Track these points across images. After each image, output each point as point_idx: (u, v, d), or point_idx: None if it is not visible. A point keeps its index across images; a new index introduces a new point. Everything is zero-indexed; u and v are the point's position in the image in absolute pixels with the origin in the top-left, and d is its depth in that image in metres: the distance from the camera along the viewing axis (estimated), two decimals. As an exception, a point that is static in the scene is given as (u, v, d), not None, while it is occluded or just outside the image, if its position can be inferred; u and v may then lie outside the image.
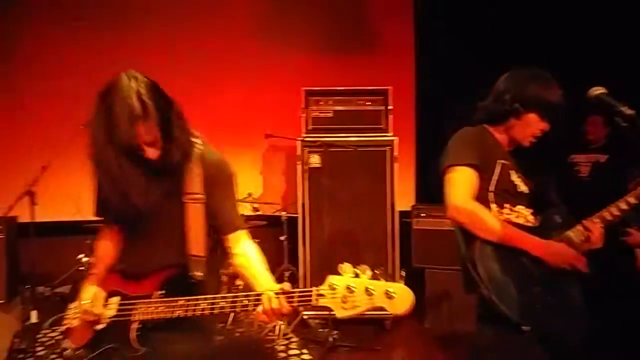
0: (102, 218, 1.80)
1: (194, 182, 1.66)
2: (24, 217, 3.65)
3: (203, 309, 1.52)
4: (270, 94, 4.95)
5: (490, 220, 1.75)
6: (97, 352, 1.60)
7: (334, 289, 1.39)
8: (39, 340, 3.76)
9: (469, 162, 1.82)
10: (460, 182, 1.81)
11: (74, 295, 1.76)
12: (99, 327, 1.63)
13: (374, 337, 3.84)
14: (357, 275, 1.40)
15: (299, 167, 4.05)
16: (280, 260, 4.09)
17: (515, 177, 1.89)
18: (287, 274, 4.07)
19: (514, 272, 1.71)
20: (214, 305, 1.52)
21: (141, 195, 1.56)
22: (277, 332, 3.64)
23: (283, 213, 4.16)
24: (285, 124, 4.35)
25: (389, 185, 4.01)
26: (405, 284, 1.36)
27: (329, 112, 4.17)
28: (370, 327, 3.90)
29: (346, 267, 1.41)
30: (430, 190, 4.14)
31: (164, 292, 1.60)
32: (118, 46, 4.77)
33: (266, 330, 3.62)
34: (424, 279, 4.01)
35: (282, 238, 4.12)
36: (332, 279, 1.41)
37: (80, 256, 3.46)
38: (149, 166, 1.55)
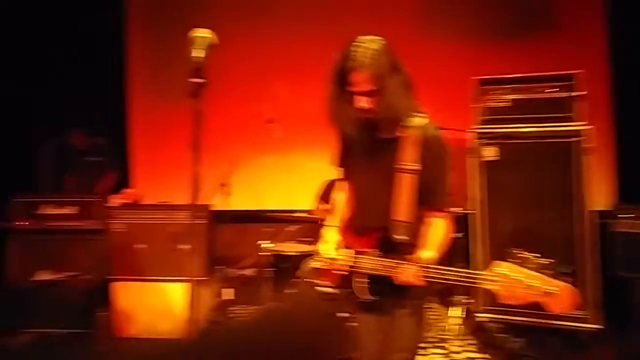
0: (340, 169, 2.06)
1: (410, 153, 1.78)
2: (219, 206, 4.13)
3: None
4: (434, 86, 4.78)
5: None
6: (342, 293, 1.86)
7: (497, 274, 1.43)
8: (230, 314, 4.24)
9: None
10: None
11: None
12: (340, 273, 1.86)
13: (565, 350, 3.39)
14: (523, 265, 1.40)
15: (472, 161, 3.83)
16: (451, 258, 3.93)
17: None
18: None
19: None
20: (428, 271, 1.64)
21: (354, 139, 1.82)
22: (453, 332, 3.53)
23: (458, 209, 3.99)
24: (452, 117, 4.15)
25: (579, 181, 3.55)
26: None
27: (506, 101, 3.86)
28: (560, 337, 3.43)
29: (516, 255, 1.45)
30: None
31: (380, 252, 1.77)
32: (296, 43, 5.08)
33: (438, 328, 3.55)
34: (630, 289, 3.45)
35: (458, 235, 3.95)
36: (496, 264, 1.45)
37: (260, 242, 3.78)
38: (361, 115, 1.73)
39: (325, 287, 1.92)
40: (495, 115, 3.84)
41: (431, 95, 4.73)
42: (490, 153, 3.76)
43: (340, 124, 1.83)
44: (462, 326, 3.56)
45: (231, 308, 4.19)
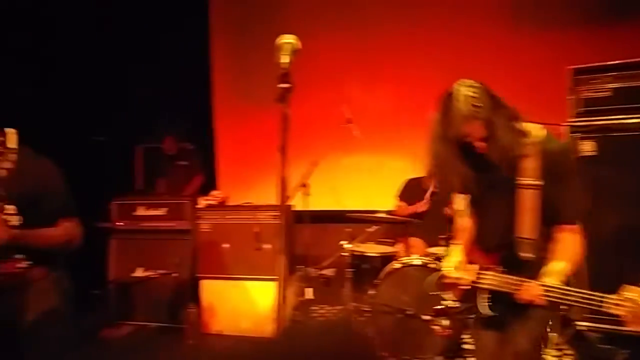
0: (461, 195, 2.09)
1: (529, 171, 1.77)
2: (299, 206, 4.18)
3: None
4: (527, 78, 4.52)
5: None
6: (465, 307, 1.93)
7: (625, 299, 1.40)
8: (312, 314, 4.27)
9: None
10: None
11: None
12: (463, 287, 1.92)
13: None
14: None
15: (566, 156, 3.55)
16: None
17: None
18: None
19: None
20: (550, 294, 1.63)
21: (469, 182, 1.83)
22: (548, 341, 3.30)
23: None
24: (545, 110, 3.88)
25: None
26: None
27: (606, 91, 3.53)
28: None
29: None
30: None
31: (505, 269, 1.78)
32: (372, 46, 5.04)
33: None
34: None
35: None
36: (626, 289, 1.42)
37: (342, 242, 3.76)
38: (479, 157, 1.77)
39: (449, 300, 1.98)
40: (593, 107, 3.53)
41: (524, 88, 4.55)
42: (587, 148, 3.46)
43: (455, 178, 1.86)
44: (559, 335, 3.30)
45: (312, 307, 4.22)
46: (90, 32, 5.09)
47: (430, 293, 3.02)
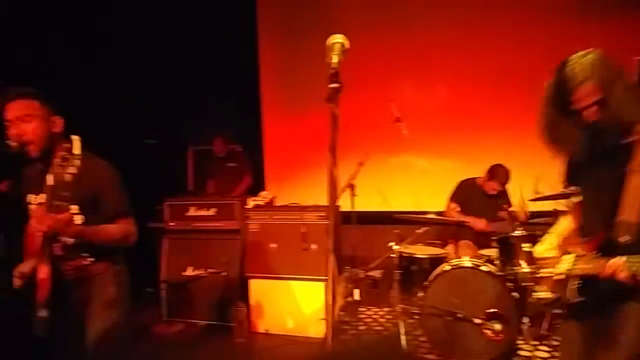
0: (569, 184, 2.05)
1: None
2: (345, 207, 4.17)
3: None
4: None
5: None
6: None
7: None
8: (359, 315, 4.25)
9: None
10: None
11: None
12: (557, 278, 1.90)
13: None
14: None
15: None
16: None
17: None
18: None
19: None
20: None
21: (581, 153, 1.80)
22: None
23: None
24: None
25: None
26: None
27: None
28: None
29: None
30: None
31: (599, 253, 1.75)
32: (421, 46, 4.95)
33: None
34: None
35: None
36: None
37: (390, 244, 3.71)
38: (588, 126, 1.73)
39: (542, 293, 1.96)
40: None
41: None
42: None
43: (565, 145, 1.85)
44: None
45: (360, 309, 4.19)
46: (145, 39, 5.28)
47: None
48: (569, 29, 4.52)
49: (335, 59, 1.44)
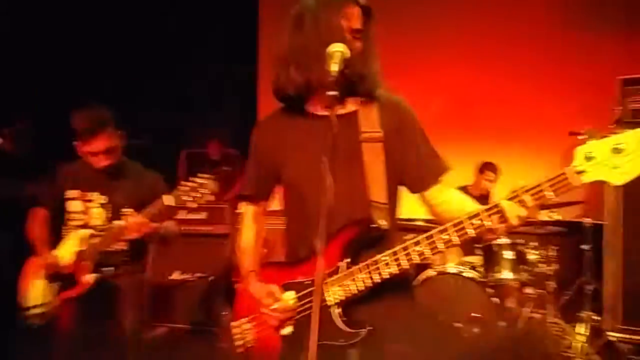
0: None
1: (370, 120, 1.62)
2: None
3: (400, 263, 1.45)
4: (573, 88, 4.41)
5: None
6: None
7: (590, 158, 1.22)
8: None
9: None
10: None
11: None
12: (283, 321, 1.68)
13: None
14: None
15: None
16: (579, 272, 3.60)
17: None
18: (588, 288, 3.50)
19: None
20: (410, 253, 1.44)
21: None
22: (577, 351, 3.18)
23: (586, 220, 3.62)
24: (590, 121, 3.78)
25: None
26: None
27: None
28: None
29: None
30: None
31: (348, 259, 1.52)
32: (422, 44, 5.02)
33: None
34: None
35: (585, 247, 3.59)
36: (584, 147, 1.24)
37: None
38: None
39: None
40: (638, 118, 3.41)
41: (566, 98, 4.44)
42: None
43: None
44: (587, 345, 3.17)
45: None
46: (140, 36, 5.29)
47: None
48: (553, 47, 4.59)
49: (334, 67, 1.46)
